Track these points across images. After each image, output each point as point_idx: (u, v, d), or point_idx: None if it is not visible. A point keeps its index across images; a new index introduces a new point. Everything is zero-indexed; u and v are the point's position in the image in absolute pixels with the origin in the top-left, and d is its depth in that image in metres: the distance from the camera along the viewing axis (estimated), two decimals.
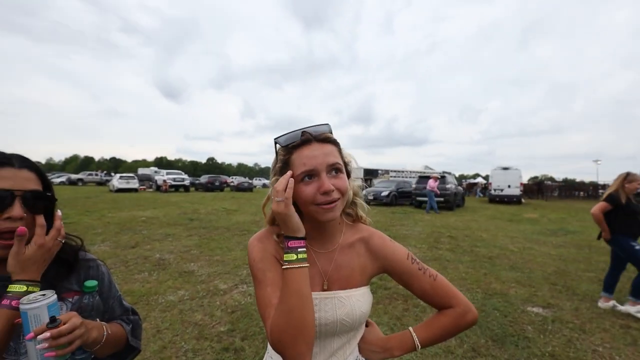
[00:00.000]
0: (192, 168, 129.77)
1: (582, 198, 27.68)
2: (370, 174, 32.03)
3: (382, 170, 34.63)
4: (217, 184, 28.48)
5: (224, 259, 5.33)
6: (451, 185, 15.31)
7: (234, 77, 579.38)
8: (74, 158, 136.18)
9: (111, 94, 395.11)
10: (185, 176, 29.41)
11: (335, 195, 0.75)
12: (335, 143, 0.82)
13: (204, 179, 30.21)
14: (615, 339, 2.89)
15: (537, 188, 29.02)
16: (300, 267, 0.72)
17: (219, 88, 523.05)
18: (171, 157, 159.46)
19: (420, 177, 16.89)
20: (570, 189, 30.30)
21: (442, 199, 14.13)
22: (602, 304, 3.59)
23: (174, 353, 2.58)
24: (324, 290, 0.84)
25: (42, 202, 0.83)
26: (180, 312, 3.30)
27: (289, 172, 0.76)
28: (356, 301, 0.83)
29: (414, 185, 16.44)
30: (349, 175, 0.85)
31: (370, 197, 16.34)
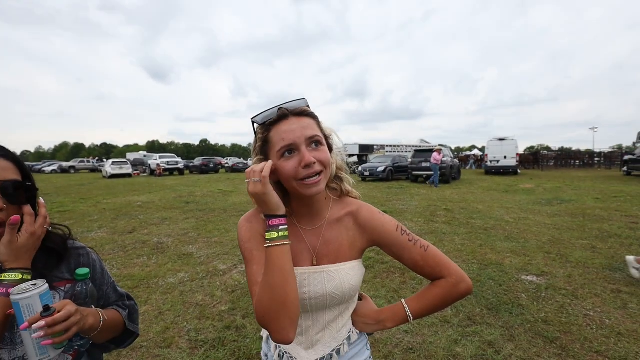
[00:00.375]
0: (186, 151, 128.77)
1: (578, 167, 27.92)
2: (365, 150, 31.97)
3: (377, 145, 34.55)
4: (211, 165, 28.24)
5: (222, 240, 5.36)
6: (447, 158, 15.33)
7: (222, 55, 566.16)
8: (64, 145, 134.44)
9: (96, 77, 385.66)
10: (179, 159, 29.17)
11: (317, 167, 0.74)
12: (313, 116, 0.80)
13: (198, 161, 29.92)
14: (605, 304, 2.97)
15: (533, 158, 29.06)
16: (281, 244, 0.72)
17: (207, 67, 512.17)
18: (163, 140, 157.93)
19: (416, 151, 16.86)
20: (566, 158, 30.34)
21: (438, 172, 14.19)
22: (631, 258, 3.46)
23: (176, 333, 2.63)
24: (313, 265, 0.84)
25: (22, 192, 0.81)
26: (181, 294, 3.34)
27: (270, 161, 0.75)
28: (345, 274, 0.84)
29: (410, 160, 16.43)
30: (331, 149, 0.83)
31: (367, 173, 16.36)
